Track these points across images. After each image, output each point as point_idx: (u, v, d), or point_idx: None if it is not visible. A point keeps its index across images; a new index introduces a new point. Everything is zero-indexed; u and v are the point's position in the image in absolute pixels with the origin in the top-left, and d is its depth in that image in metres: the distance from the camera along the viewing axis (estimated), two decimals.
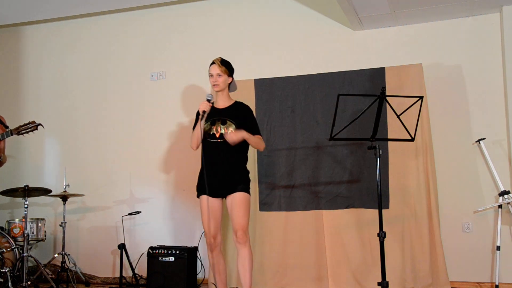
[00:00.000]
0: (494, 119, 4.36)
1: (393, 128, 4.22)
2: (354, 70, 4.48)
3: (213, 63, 3.63)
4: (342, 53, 4.77)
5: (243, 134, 3.50)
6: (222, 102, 3.69)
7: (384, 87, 3.36)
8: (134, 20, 5.44)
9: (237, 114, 3.62)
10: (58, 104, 5.58)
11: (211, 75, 3.63)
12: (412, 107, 3.41)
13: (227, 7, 5.17)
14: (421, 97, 3.38)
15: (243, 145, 3.62)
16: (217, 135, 3.57)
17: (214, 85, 3.62)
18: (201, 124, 3.55)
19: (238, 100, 3.74)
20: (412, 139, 3.44)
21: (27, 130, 3.63)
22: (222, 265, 3.67)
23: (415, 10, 4.34)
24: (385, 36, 4.69)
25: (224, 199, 3.65)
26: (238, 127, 3.57)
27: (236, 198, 3.54)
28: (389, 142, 4.28)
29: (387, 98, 3.35)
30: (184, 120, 5.14)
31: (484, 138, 4.28)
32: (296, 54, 4.90)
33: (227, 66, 3.63)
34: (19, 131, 3.59)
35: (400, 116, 3.36)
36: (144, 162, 5.21)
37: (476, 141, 4.32)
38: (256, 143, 3.60)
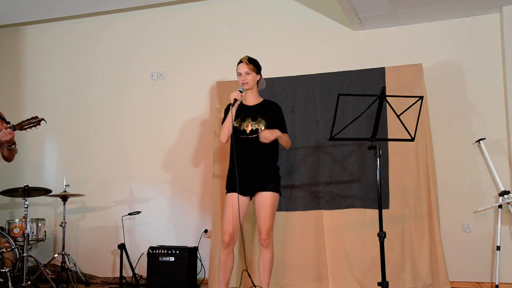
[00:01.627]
0: (494, 119, 4.36)
1: (393, 128, 4.22)
2: (354, 70, 4.49)
3: (240, 61, 3.66)
4: (342, 53, 4.77)
5: (277, 134, 3.55)
6: (252, 99, 3.72)
7: (384, 87, 3.35)
8: (134, 20, 5.44)
9: (267, 111, 3.66)
10: (58, 104, 5.58)
11: (239, 74, 3.66)
12: (412, 107, 3.41)
13: (227, 7, 5.17)
14: (421, 97, 3.38)
15: (274, 142, 3.63)
16: (248, 131, 3.59)
17: (243, 83, 3.64)
18: (232, 111, 3.53)
19: (266, 99, 3.78)
20: (412, 139, 3.43)
21: (30, 126, 3.61)
22: (231, 263, 3.66)
23: (415, 10, 4.34)
24: (385, 36, 4.69)
25: (251, 197, 3.65)
26: (268, 124, 3.60)
27: (266, 198, 3.55)
28: (389, 142, 4.28)
29: (387, 98, 3.35)
30: (184, 120, 5.14)
31: (484, 138, 4.28)
32: (296, 54, 4.90)
33: (254, 64, 3.67)
34: (22, 126, 3.58)
35: (400, 116, 3.36)
36: (144, 162, 5.21)
37: (476, 141, 4.32)
38: (286, 142, 3.67)
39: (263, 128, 3.58)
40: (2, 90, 5.80)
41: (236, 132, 3.60)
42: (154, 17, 5.38)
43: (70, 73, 5.61)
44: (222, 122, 3.68)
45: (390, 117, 4.18)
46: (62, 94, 5.60)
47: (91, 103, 5.49)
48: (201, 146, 5.04)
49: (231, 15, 5.15)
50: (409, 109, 3.44)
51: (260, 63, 3.74)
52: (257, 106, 3.69)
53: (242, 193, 3.56)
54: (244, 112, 3.65)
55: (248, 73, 3.63)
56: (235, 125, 3.61)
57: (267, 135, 3.50)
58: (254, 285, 3.54)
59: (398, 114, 3.37)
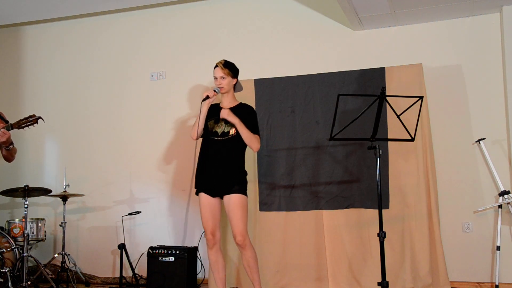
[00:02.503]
0: (494, 119, 4.36)
1: (393, 128, 4.22)
2: (354, 70, 4.48)
3: (216, 66, 3.69)
4: (342, 53, 4.77)
5: (238, 120, 3.56)
6: (227, 103, 3.75)
7: (384, 87, 3.36)
8: (134, 20, 5.44)
9: (240, 114, 3.66)
10: (58, 104, 5.58)
11: (215, 78, 3.69)
12: (412, 107, 3.41)
13: (227, 7, 5.17)
14: (421, 97, 3.38)
15: (243, 145, 3.65)
16: (219, 133, 3.62)
17: (218, 87, 3.67)
18: (203, 108, 3.60)
19: (243, 102, 3.80)
20: (412, 139, 3.43)
21: (28, 124, 3.61)
22: (221, 263, 3.69)
23: (415, 10, 4.34)
24: (385, 36, 4.69)
25: (221, 198, 3.67)
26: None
27: (232, 201, 3.57)
28: (389, 142, 4.28)
29: (387, 98, 3.35)
30: (184, 120, 5.14)
31: (484, 138, 4.28)
32: (296, 54, 4.90)
33: (230, 68, 3.68)
34: (19, 125, 3.58)
35: (400, 116, 3.36)
36: (144, 162, 5.21)
37: (476, 141, 4.32)
38: (249, 138, 3.60)
39: (234, 131, 3.61)
40: (2, 90, 5.80)
41: (208, 133, 3.65)
42: (154, 17, 5.38)
43: (70, 73, 5.61)
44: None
45: (390, 117, 4.18)
46: (62, 94, 5.60)
47: (91, 103, 5.49)
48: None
49: (231, 15, 5.15)
50: (409, 109, 3.44)
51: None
52: (232, 109, 3.69)
53: (211, 194, 3.61)
54: (218, 114, 3.67)
55: (223, 78, 3.66)
56: (208, 126, 3.68)
57: (226, 113, 3.55)
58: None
59: (398, 114, 3.37)
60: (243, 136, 3.59)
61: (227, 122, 3.64)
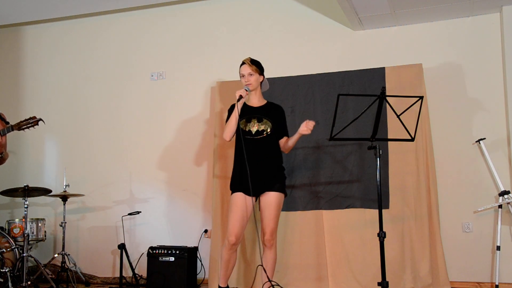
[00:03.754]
0: (494, 119, 4.36)
1: (393, 128, 4.22)
2: (354, 70, 4.48)
3: (243, 63, 3.66)
4: (342, 53, 4.77)
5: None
6: (256, 101, 3.72)
7: (384, 87, 3.35)
8: (134, 20, 5.45)
9: (272, 113, 3.67)
10: (58, 104, 5.58)
11: (242, 75, 3.66)
12: (412, 107, 3.41)
13: (227, 7, 5.17)
14: (421, 97, 3.38)
15: (278, 143, 3.66)
16: (253, 132, 3.60)
17: (247, 85, 3.63)
18: (238, 106, 3.51)
19: (270, 101, 3.79)
20: (412, 139, 3.43)
21: (28, 126, 3.61)
22: (233, 262, 3.65)
23: (415, 10, 4.34)
24: (385, 36, 4.69)
25: (256, 198, 3.64)
26: (274, 126, 3.62)
27: (272, 199, 3.55)
28: (389, 142, 4.28)
29: (387, 98, 3.35)
30: (184, 120, 5.14)
31: (484, 138, 4.28)
32: (296, 54, 4.90)
33: (257, 65, 3.67)
34: (20, 126, 3.59)
35: (400, 116, 3.36)
36: (144, 162, 5.21)
37: (476, 141, 4.32)
38: (293, 146, 3.68)
39: (269, 130, 3.60)
40: (2, 90, 5.80)
41: (242, 133, 3.58)
42: (154, 17, 5.38)
43: (70, 73, 5.61)
44: (226, 121, 3.67)
45: (390, 117, 4.18)
46: (62, 94, 5.60)
47: (91, 103, 5.49)
48: (201, 146, 5.04)
49: (231, 15, 5.15)
50: (409, 109, 3.44)
51: (261, 64, 3.75)
52: (262, 108, 3.69)
53: (250, 193, 3.53)
54: (249, 113, 3.65)
55: (251, 74, 3.63)
56: (240, 125, 3.59)
57: (310, 126, 3.50)
58: (269, 280, 3.54)
59: (398, 114, 3.36)
60: (291, 146, 3.63)
61: (260, 121, 3.62)
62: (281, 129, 3.68)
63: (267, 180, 3.56)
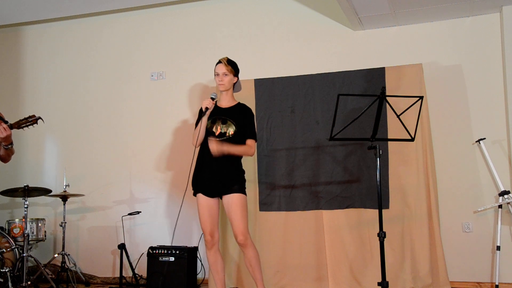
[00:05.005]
0: (494, 119, 4.36)
1: (393, 128, 4.22)
2: (354, 70, 4.48)
3: (219, 62, 3.66)
4: (342, 53, 4.77)
5: (230, 150, 3.51)
6: (226, 102, 3.72)
7: (384, 87, 3.36)
8: (134, 20, 5.45)
9: (239, 115, 3.65)
10: (58, 104, 5.58)
11: (217, 74, 3.66)
12: (412, 107, 3.41)
13: (227, 7, 5.17)
14: (421, 97, 3.38)
15: (240, 145, 3.63)
16: (216, 134, 3.60)
17: (219, 84, 3.64)
18: (204, 121, 3.56)
19: (241, 102, 3.77)
20: (412, 139, 3.44)
21: (27, 124, 3.61)
22: (220, 264, 3.69)
23: (415, 10, 4.34)
24: (385, 36, 4.69)
25: (220, 198, 3.66)
26: (238, 128, 3.59)
27: (232, 201, 3.55)
28: (389, 142, 4.28)
29: (387, 98, 3.35)
30: (184, 120, 5.14)
31: (484, 138, 4.28)
32: (296, 54, 4.90)
33: (233, 66, 3.67)
34: (19, 125, 3.57)
35: (400, 116, 3.36)
36: (144, 162, 5.21)
37: (476, 141, 4.32)
38: (243, 153, 3.63)
39: (231, 132, 3.59)
40: (2, 90, 5.80)
41: (206, 134, 3.61)
42: (154, 17, 5.38)
43: (70, 73, 5.61)
44: (196, 125, 3.69)
45: (390, 117, 4.18)
46: (62, 94, 5.60)
47: (91, 103, 5.49)
48: None
49: (231, 15, 5.15)
50: (409, 109, 3.44)
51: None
52: (230, 109, 3.68)
53: (209, 194, 3.59)
54: (216, 113, 3.65)
55: (226, 74, 3.63)
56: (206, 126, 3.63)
57: (214, 149, 3.45)
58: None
59: (398, 114, 3.37)
60: (239, 155, 3.61)
61: (224, 122, 3.62)
62: (246, 131, 3.63)
63: (226, 182, 3.57)
